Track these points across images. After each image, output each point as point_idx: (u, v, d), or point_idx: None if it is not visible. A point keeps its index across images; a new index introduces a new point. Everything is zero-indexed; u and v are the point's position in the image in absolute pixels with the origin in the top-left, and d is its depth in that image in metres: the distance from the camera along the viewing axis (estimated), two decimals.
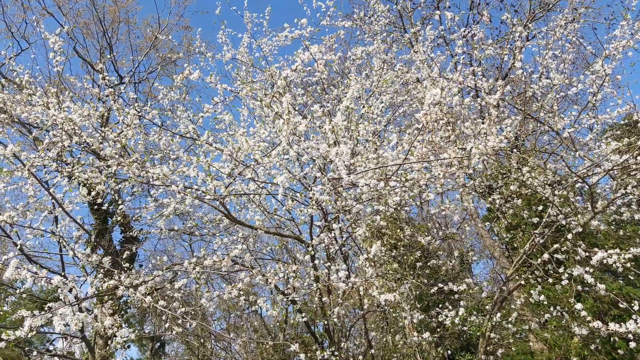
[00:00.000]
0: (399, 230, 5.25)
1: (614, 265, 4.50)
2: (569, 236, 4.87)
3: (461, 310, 4.86)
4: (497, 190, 5.39)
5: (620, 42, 5.22)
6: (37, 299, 8.54)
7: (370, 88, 5.75)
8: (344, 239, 4.91)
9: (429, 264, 5.55)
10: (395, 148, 4.77)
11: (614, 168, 4.79)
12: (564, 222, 5.19)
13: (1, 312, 6.65)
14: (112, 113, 8.61)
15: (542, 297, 4.72)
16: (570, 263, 5.28)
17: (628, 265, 4.53)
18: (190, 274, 3.65)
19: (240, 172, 4.28)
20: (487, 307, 5.29)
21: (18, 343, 4.49)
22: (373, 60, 5.87)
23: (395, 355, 6.35)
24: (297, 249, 5.87)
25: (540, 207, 5.63)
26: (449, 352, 8.88)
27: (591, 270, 4.51)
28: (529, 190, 5.17)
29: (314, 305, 4.88)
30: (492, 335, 4.84)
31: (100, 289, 3.73)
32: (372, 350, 5.75)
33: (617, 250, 4.55)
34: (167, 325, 3.56)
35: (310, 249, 4.40)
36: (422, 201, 4.62)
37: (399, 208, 4.98)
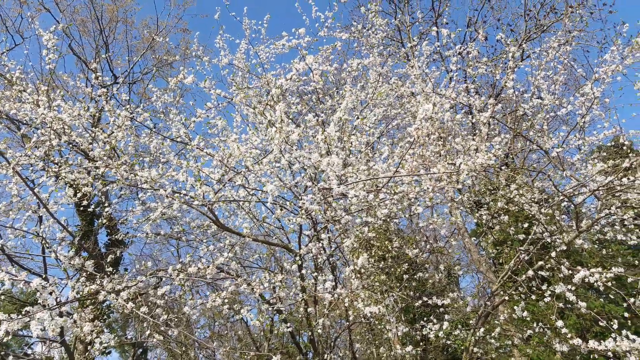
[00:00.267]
0: (387, 242, 5.27)
1: (595, 283, 4.57)
2: (553, 254, 4.94)
3: (445, 324, 4.88)
4: (485, 205, 5.45)
5: (610, 66, 5.35)
6: (17, 300, 8.34)
7: (366, 100, 5.79)
8: (332, 249, 4.90)
9: (415, 276, 5.57)
10: (386, 160, 4.81)
11: (599, 189, 4.88)
12: (549, 240, 5.27)
13: None
14: (103, 113, 8.53)
15: (525, 313, 4.77)
16: (555, 280, 5.34)
17: (609, 284, 4.61)
18: (174, 281, 3.61)
19: (231, 178, 4.26)
20: (471, 321, 5.31)
21: None
22: (369, 73, 5.93)
23: None
24: (285, 258, 5.84)
25: (527, 224, 5.71)
26: None
27: (573, 288, 4.57)
28: (516, 207, 5.24)
29: (300, 316, 4.86)
30: (476, 349, 4.85)
31: (82, 293, 3.66)
32: None
33: (599, 269, 4.62)
34: (148, 332, 3.50)
35: (297, 258, 4.39)
36: (412, 214, 4.65)
37: (388, 220, 5.00)
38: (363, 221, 4.60)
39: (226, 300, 3.84)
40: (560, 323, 4.43)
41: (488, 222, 5.42)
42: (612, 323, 4.52)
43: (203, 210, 4.26)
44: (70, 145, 4.53)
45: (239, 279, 3.86)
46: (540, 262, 5.10)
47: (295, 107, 5.58)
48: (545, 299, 4.89)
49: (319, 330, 4.23)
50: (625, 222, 5.43)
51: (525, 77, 6.84)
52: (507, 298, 5.10)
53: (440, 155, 4.82)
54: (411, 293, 5.55)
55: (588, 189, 5.01)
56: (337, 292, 4.11)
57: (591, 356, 4.92)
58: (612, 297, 5.49)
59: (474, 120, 5.63)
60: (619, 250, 7.34)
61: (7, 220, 4.17)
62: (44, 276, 4.05)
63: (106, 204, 4.91)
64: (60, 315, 3.91)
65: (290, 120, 5.35)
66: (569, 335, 4.28)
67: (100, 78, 5.09)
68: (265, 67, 5.72)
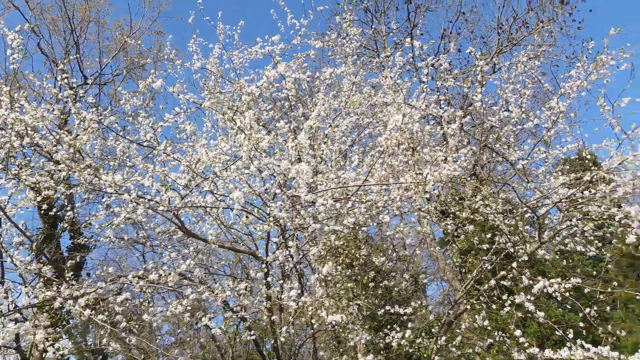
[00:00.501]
0: (354, 250, 5.33)
1: (554, 293, 4.73)
2: (514, 264, 5.08)
3: (408, 332, 4.96)
4: (451, 215, 5.57)
5: (575, 82, 5.56)
6: None
7: (339, 108, 5.85)
8: (299, 257, 4.92)
9: (381, 284, 5.64)
10: (356, 169, 4.86)
11: (562, 201, 5.04)
12: (512, 250, 5.42)
13: None
14: (71, 115, 8.33)
15: (486, 322, 4.89)
16: (517, 290, 5.49)
17: (567, 294, 4.77)
18: (134, 287, 3.55)
19: (198, 184, 4.24)
20: (434, 329, 5.41)
21: None
22: (342, 81, 5.99)
23: None
24: (252, 265, 5.82)
25: (490, 235, 5.86)
26: None
27: (533, 298, 4.71)
28: (482, 217, 5.37)
29: (264, 323, 4.85)
30: (437, 358, 4.95)
31: (38, 299, 3.57)
32: None
33: (559, 279, 4.78)
34: (104, 340, 3.44)
35: (264, 265, 4.38)
36: (380, 222, 4.71)
37: (356, 228, 5.06)
38: (331, 229, 4.64)
39: (188, 308, 3.80)
40: (518, 332, 4.56)
41: (453, 231, 5.54)
42: (568, 332, 4.68)
43: (168, 215, 4.21)
44: (33, 147, 4.41)
45: (202, 286, 3.84)
46: (502, 272, 5.24)
47: (267, 113, 5.59)
48: (506, 309, 5.03)
49: (282, 339, 4.23)
50: (586, 234, 5.62)
51: (495, 89, 7.04)
52: (468, 307, 5.22)
53: (408, 165, 4.90)
54: (376, 301, 5.62)
55: (551, 200, 5.16)
56: (302, 300, 4.12)
57: None
58: (570, 307, 5.69)
59: (442, 132, 5.76)
60: (579, 260, 7.60)
61: None
62: (1, 281, 3.93)
63: (68, 208, 4.80)
64: (16, 321, 3.80)
65: (261, 127, 5.35)
66: (526, 345, 4.41)
67: (67, 79, 4.98)
68: (238, 73, 5.71)
